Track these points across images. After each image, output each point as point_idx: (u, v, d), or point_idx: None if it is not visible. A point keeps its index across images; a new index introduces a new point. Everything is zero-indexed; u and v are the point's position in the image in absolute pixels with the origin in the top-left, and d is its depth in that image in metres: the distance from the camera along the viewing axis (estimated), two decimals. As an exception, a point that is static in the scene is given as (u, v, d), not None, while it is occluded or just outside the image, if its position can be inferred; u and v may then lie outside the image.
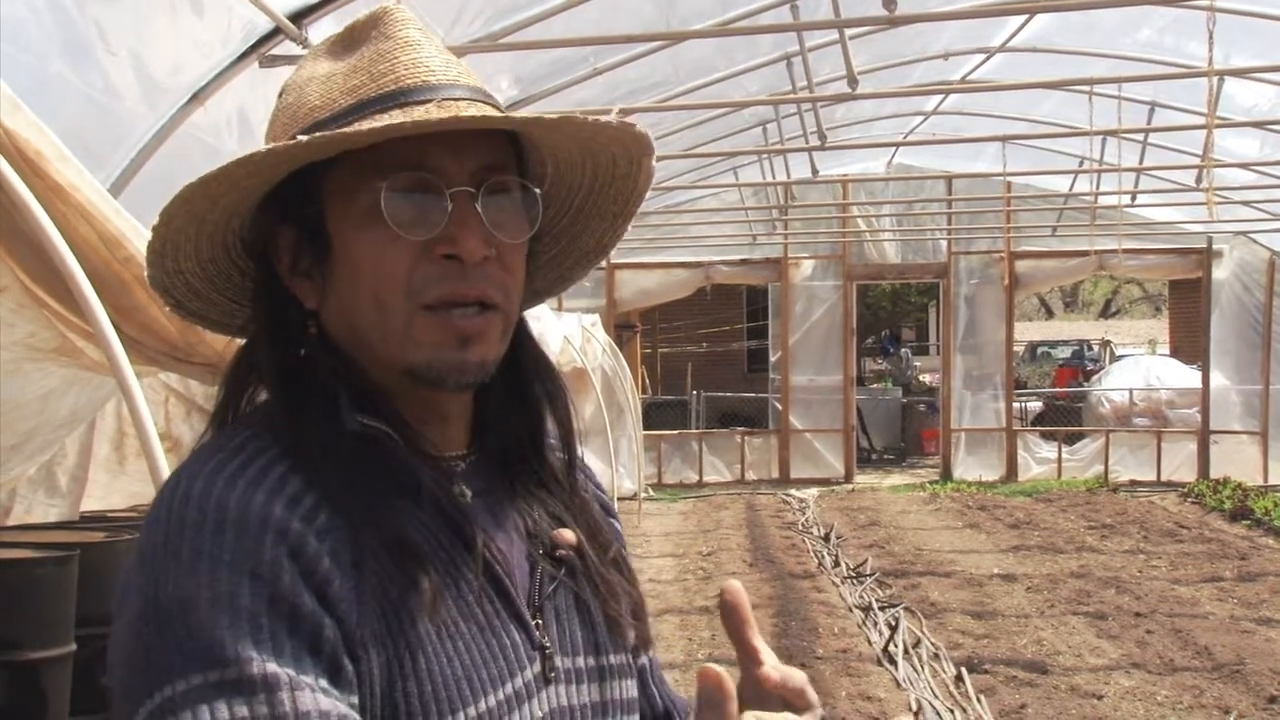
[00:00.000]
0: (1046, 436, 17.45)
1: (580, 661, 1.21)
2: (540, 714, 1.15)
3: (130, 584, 1.02)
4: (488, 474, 1.24)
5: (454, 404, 1.21)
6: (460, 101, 1.14)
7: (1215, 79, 7.21)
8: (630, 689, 1.27)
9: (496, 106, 1.18)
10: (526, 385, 1.27)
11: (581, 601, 1.24)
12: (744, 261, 16.66)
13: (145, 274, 1.21)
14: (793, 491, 15.70)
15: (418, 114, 1.11)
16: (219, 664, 0.95)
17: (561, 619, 1.21)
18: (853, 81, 7.18)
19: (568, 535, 1.25)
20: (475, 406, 1.25)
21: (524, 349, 1.27)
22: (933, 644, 7.91)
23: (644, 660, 1.36)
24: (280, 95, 1.22)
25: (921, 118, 13.37)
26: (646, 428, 15.55)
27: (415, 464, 1.14)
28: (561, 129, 1.18)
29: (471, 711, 1.08)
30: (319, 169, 1.14)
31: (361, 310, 1.14)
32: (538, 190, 1.19)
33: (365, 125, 1.11)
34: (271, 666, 0.96)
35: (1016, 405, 17.61)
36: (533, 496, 1.26)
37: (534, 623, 1.17)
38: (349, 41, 1.21)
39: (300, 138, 1.09)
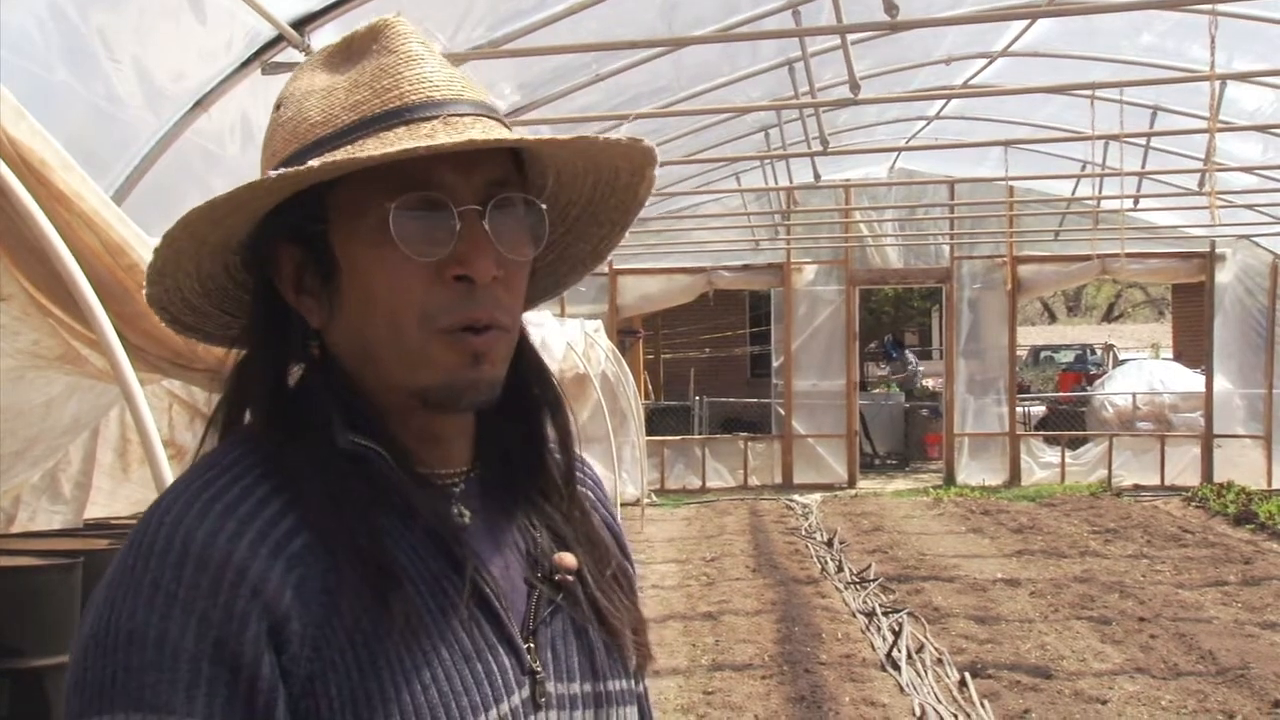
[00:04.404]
0: (1050, 441, 17.42)
1: (576, 687, 1.19)
2: None
3: (95, 599, 1.05)
4: (489, 491, 1.23)
5: (455, 425, 1.20)
6: (465, 118, 1.12)
7: (1217, 83, 7.22)
8: (631, 715, 1.25)
9: (501, 121, 1.16)
10: (525, 395, 1.25)
11: (580, 626, 1.22)
12: (746, 267, 16.67)
13: (144, 292, 1.21)
14: (796, 497, 15.69)
15: (424, 131, 1.09)
16: (145, 707, 0.98)
17: (557, 644, 1.20)
18: (855, 87, 7.19)
19: (568, 559, 1.23)
20: (477, 422, 1.24)
21: (524, 359, 1.25)
22: (936, 649, 7.90)
23: (641, 687, 1.35)
24: (277, 108, 1.20)
25: (924, 122, 13.37)
26: (649, 433, 15.56)
27: (406, 485, 1.13)
28: (572, 147, 1.16)
29: None
30: (323, 187, 1.13)
31: (375, 332, 1.13)
32: (543, 206, 1.16)
33: (373, 144, 1.09)
34: None
35: (1020, 410, 17.60)
36: (535, 513, 1.25)
37: (526, 647, 1.16)
38: (348, 54, 1.19)
39: (312, 163, 1.08)
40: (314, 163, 1.08)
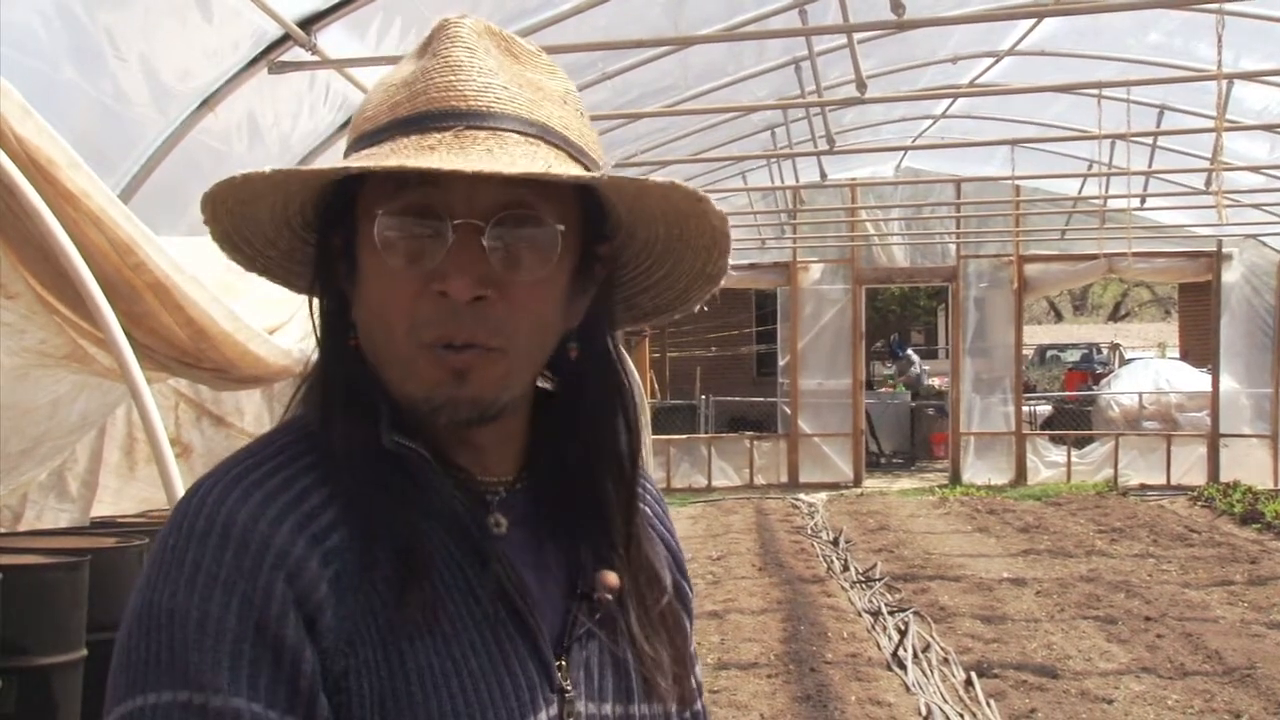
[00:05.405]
0: (1056, 440, 17.39)
1: (607, 709, 1.17)
2: None
3: (139, 580, 1.05)
4: (533, 505, 1.19)
5: (493, 433, 1.16)
6: (481, 132, 1.07)
7: (1224, 82, 7.20)
8: None
9: (543, 137, 1.10)
10: (585, 414, 1.21)
11: (616, 647, 1.19)
12: (753, 266, 16.64)
13: (230, 260, 1.21)
14: (801, 496, 15.68)
15: (428, 142, 1.06)
16: (190, 686, 0.98)
17: (591, 663, 1.18)
18: (861, 86, 7.19)
19: (610, 578, 1.19)
20: (532, 433, 1.21)
21: (592, 376, 1.21)
22: (942, 648, 7.89)
23: (689, 714, 1.31)
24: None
25: (930, 121, 13.36)
26: (655, 432, 15.52)
27: (446, 488, 1.12)
28: (610, 188, 1.11)
29: None
30: (355, 183, 1.11)
31: (375, 334, 1.12)
32: (560, 228, 1.10)
33: (385, 150, 1.08)
34: (238, 702, 0.97)
35: (1026, 409, 17.56)
36: (583, 532, 1.21)
37: (557, 664, 1.14)
38: (423, 49, 1.15)
39: (267, 168, 1.08)
40: (267, 168, 1.08)
